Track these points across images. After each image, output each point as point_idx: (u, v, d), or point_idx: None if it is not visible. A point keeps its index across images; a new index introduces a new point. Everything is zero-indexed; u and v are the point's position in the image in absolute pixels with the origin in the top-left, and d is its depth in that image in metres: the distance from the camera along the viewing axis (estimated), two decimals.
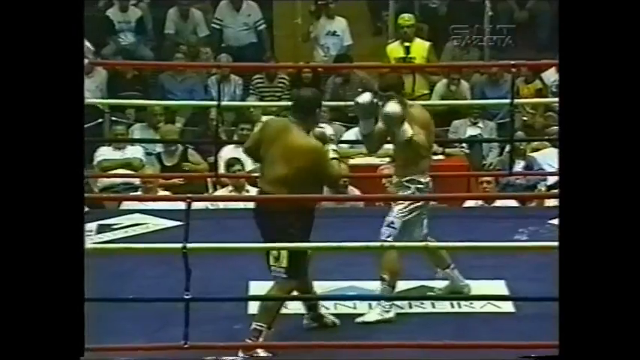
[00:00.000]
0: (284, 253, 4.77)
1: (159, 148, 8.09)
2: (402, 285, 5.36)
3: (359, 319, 5.00)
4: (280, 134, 4.80)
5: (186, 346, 4.68)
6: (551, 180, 7.49)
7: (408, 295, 5.28)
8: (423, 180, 5.01)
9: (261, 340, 4.73)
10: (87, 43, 6.60)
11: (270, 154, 4.81)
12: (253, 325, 4.76)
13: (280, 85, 9.08)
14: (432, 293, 5.33)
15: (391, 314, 4.98)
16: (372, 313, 5.02)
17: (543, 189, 7.49)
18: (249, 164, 7.86)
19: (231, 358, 4.70)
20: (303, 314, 5.06)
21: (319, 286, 5.28)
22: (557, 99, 8.66)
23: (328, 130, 4.95)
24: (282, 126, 4.87)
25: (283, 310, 4.92)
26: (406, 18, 8.68)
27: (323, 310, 5.08)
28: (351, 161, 7.86)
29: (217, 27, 9.55)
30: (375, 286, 5.30)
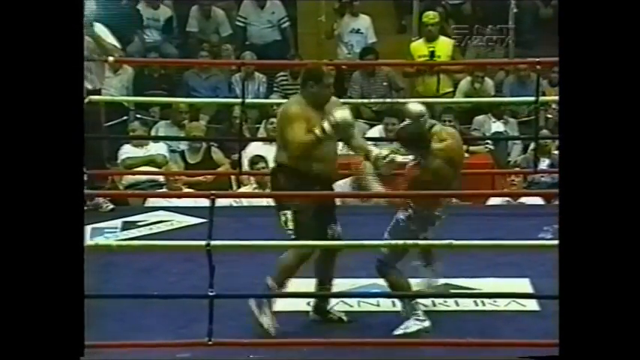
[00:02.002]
0: (289, 216, 4.87)
1: (183, 145, 8.12)
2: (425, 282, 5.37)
3: (398, 331, 4.90)
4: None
5: (210, 342, 4.69)
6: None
7: (432, 293, 5.27)
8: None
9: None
10: (114, 41, 6.62)
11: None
12: (268, 281, 4.87)
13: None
14: (455, 291, 5.32)
15: (427, 323, 4.89)
16: (410, 323, 4.92)
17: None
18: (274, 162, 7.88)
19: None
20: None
21: (342, 284, 5.29)
22: None
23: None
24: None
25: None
26: (431, 16, 8.65)
27: (330, 306, 5.07)
28: None
29: (241, 25, 9.57)
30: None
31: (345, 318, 5.07)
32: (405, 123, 5.18)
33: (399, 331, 4.89)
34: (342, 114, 4.87)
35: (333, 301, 5.16)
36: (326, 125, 4.85)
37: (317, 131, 4.85)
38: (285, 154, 4.96)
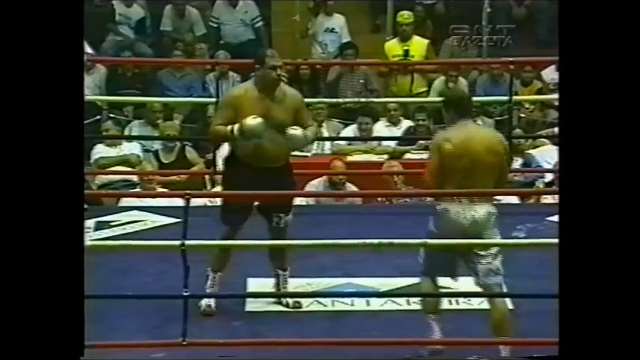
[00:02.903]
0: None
1: (156, 145, 8.09)
2: (400, 281, 5.38)
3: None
4: None
5: (184, 342, 4.69)
6: (549, 177, 7.50)
7: (406, 292, 5.29)
8: (437, 207, 4.75)
9: (208, 283, 5.05)
10: (84, 43, 6.58)
11: None
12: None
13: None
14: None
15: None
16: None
17: (541, 186, 7.49)
18: None
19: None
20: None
21: (318, 283, 5.30)
22: (554, 96, 8.71)
23: None
24: None
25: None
26: (405, 16, 8.68)
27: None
28: (349, 158, 7.86)
29: (214, 25, 9.56)
30: (373, 282, 5.32)
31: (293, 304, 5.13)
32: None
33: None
34: (251, 123, 4.92)
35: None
36: (235, 129, 4.95)
37: (229, 130, 4.98)
38: (233, 145, 5.12)
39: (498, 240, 4.76)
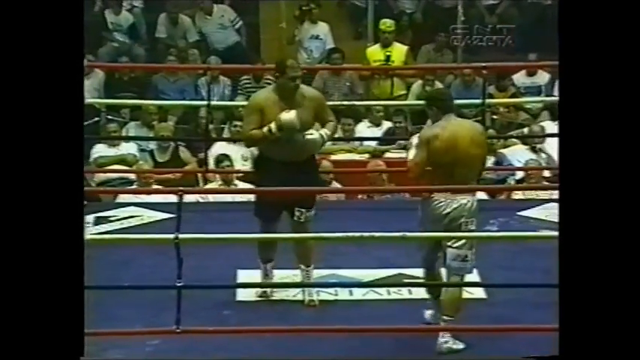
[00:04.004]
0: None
1: (152, 145, 8.08)
2: (380, 272, 5.38)
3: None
4: None
5: (178, 330, 4.67)
6: (520, 175, 7.52)
7: (386, 283, 5.29)
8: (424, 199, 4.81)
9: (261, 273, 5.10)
10: None
11: None
12: None
13: (266, 85, 9.05)
14: (408, 280, 5.34)
15: (461, 345, 4.72)
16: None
17: (512, 183, 7.51)
18: (238, 160, 7.86)
19: None
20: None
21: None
22: (524, 99, 8.74)
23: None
24: None
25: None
26: (388, 24, 8.72)
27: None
28: (333, 157, 7.86)
29: (200, 38, 9.59)
30: (355, 274, 5.31)
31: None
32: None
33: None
34: (287, 116, 4.93)
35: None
36: (273, 126, 4.94)
37: (265, 130, 4.95)
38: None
39: (473, 234, 4.77)
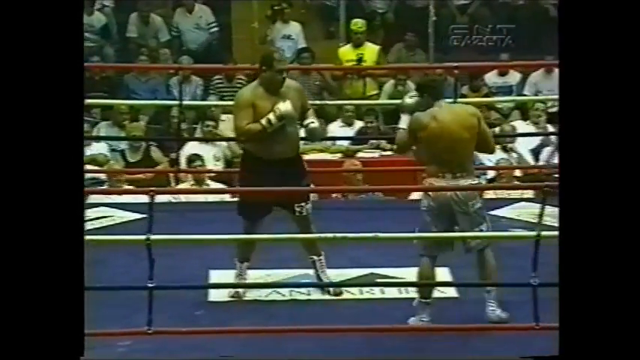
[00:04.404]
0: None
1: (123, 145, 8.03)
2: (353, 272, 5.37)
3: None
4: None
5: (150, 331, 4.64)
6: (491, 174, 7.54)
7: (357, 282, 5.28)
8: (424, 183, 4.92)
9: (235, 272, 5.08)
10: None
11: None
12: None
13: (239, 85, 9.04)
14: (380, 280, 5.34)
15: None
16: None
17: (483, 182, 7.52)
18: (210, 160, 7.83)
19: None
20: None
21: (276, 274, 5.27)
22: (495, 98, 8.76)
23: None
24: None
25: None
26: (359, 24, 8.72)
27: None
28: (305, 157, 7.84)
29: (176, 34, 9.55)
30: (328, 273, 5.30)
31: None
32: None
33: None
34: (286, 106, 4.97)
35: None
36: (272, 117, 4.95)
37: (263, 121, 4.97)
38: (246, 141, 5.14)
39: (445, 234, 4.77)
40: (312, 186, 5.53)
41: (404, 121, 4.96)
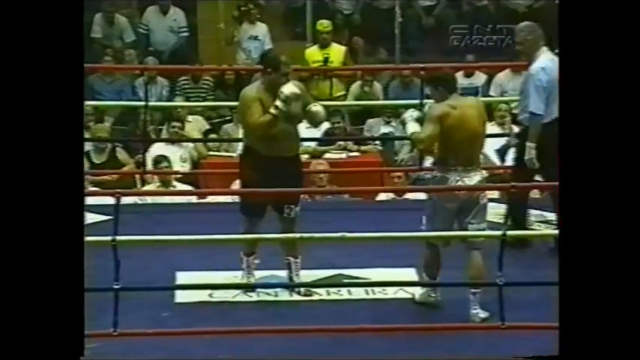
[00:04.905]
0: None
1: (88, 146, 7.98)
2: (319, 273, 5.38)
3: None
4: None
5: (115, 333, 4.62)
6: None
7: (324, 283, 5.29)
8: (437, 175, 4.99)
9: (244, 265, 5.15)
10: None
11: None
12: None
13: (205, 86, 9.04)
14: (347, 280, 5.35)
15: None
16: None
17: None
18: (176, 161, 7.80)
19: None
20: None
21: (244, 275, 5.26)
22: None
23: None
24: None
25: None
26: (325, 24, 8.72)
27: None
28: None
29: (144, 31, 9.48)
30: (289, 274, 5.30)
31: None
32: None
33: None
34: (290, 88, 5.04)
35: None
36: (278, 102, 5.01)
37: (272, 110, 5.02)
38: (249, 138, 5.16)
39: (411, 234, 4.79)
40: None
41: (412, 127, 5.00)
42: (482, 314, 4.88)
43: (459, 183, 4.87)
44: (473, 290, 4.89)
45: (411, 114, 5.08)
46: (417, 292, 5.06)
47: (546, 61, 5.57)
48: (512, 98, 7.59)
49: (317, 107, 5.22)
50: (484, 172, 5.10)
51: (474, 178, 4.90)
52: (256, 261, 5.23)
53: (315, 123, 5.32)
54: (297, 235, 4.97)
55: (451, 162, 4.88)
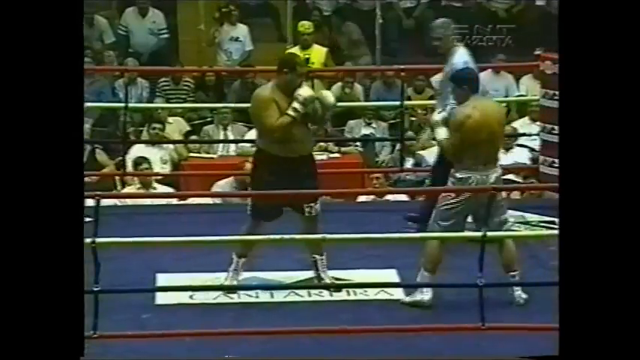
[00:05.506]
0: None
1: None
2: (301, 275, 5.38)
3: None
4: None
5: (95, 335, 4.61)
6: None
7: (307, 285, 5.29)
8: (457, 175, 4.99)
9: (232, 266, 5.13)
10: None
11: None
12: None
13: (185, 87, 9.03)
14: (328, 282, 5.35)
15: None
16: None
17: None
18: (157, 163, 7.78)
19: None
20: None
21: (225, 277, 5.26)
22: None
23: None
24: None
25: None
26: (306, 26, 8.72)
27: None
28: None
29: (123, 33, 9.46)
30: (276, 276, 5.31)
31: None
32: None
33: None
34: (307, 90, 5.11)
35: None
36: (297, 105, 5.03)
37: (290, 112, 5.03)
38: (264, 139, 5.16)
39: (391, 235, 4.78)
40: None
41: (440, 133, 5.04)
42: (525, 295, 4.97)
43: (483, 182, 4.96)
44: (512, 273, 4.99)
45: (437, 118, 5.12)
46: (403, 294, 5.04)
47: (465, 56, 5.65)
48: (496, 99, 7.61)
49: (326, 92, 5.34)
50: (499, 169, 5.12)
51: (492, 177, 4.99)
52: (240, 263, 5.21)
53: (325, 107, 5.24)
54: (278, 236, 4.97)
55: (471, 162, 4.95)
